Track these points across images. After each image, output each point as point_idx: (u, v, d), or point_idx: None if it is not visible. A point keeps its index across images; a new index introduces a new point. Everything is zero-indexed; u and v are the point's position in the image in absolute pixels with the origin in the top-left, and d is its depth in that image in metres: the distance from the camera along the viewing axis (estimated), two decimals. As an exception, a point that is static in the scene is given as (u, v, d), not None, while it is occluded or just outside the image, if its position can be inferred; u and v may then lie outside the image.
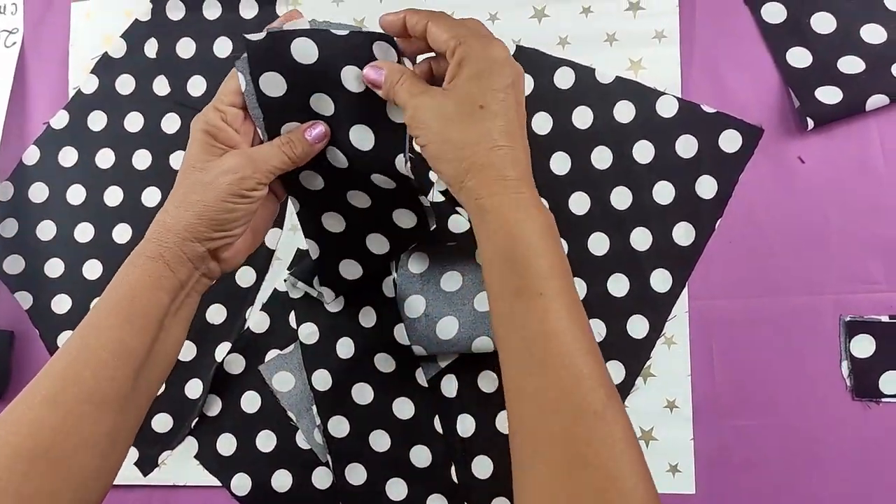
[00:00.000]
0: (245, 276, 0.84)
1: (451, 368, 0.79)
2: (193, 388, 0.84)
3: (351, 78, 0.60)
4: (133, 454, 0.84)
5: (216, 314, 0.84)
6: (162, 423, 0.84)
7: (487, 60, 0.56)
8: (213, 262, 0.62)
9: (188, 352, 0.84)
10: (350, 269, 0.76)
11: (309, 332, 0.81)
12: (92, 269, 0.87)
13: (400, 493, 0.79)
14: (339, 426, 0.79)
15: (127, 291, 0.58)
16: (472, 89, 0.56)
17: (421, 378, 0.79)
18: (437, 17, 0.59)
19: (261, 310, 0.84)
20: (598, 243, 0.79)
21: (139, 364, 0.57)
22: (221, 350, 0.83)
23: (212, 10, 0.88)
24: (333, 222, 0.72)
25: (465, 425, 0.79)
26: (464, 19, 0.60)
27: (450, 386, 0.79)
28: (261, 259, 0.84)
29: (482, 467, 0.78)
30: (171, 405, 0.84)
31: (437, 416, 0.79)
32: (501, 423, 0.79)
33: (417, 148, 0.59)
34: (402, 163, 0.63)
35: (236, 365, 0.83)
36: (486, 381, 0.79)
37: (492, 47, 0.57)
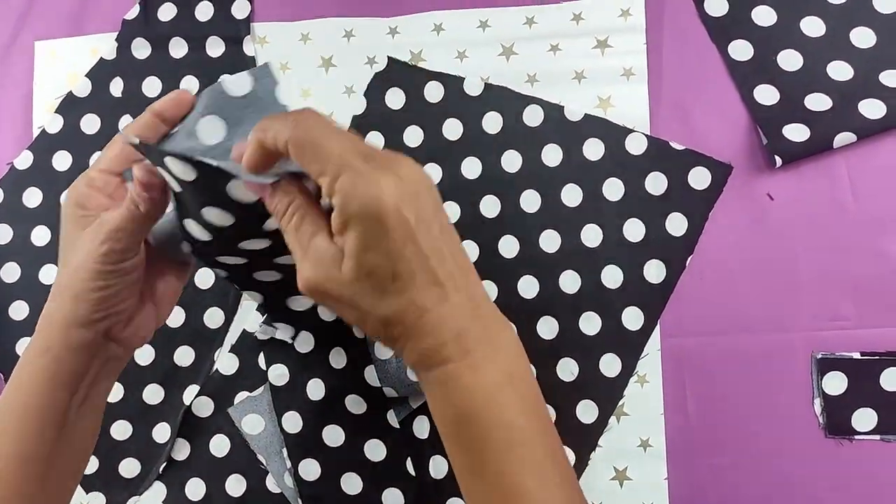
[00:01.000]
0: (213, 318, 0.83)
1: (423, 409, 0.79)
2: (161, 432, 0.82)
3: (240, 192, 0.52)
4: (100, 499, 0.82)
5: (184, 356, 0.83)
6: (129, 468, 0.82)
7: (376, 212, 0.43)
8: (114, 344, 0.57)
9: (155, 395, 0.82)
10: (299, 302, 0.75)
11: (278, 374, 0.80)
12: (57, 312, 0.85)
13: None
14: (310, 468, 0.78)
15: (20, 396, 0.54)
16: (372, 261, 0.45)
17: (392, 419, 0.78)
18: (297, 140, 0.45)
19: (229, 352, 0.82)
20: (570, 281, 0.78)
21: (41, 468, 0.55)
22: (189, 393, 0.82)
23: (178, 49, 0.87)
24: (267, 275, 0.68)
25: (438, 466, 0.78)
26: (334, 133, 0.46)
27: (422, 427, 0.78)
28: (229, 300, 0.83)
29: (455, 510, 0.77)
30: (139, 449, 0.82)
31: (409, 458, 0.78)
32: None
33: None
34: None
35: (205, 408, 0.82)
36: None
37: (374, 185, 0.43)
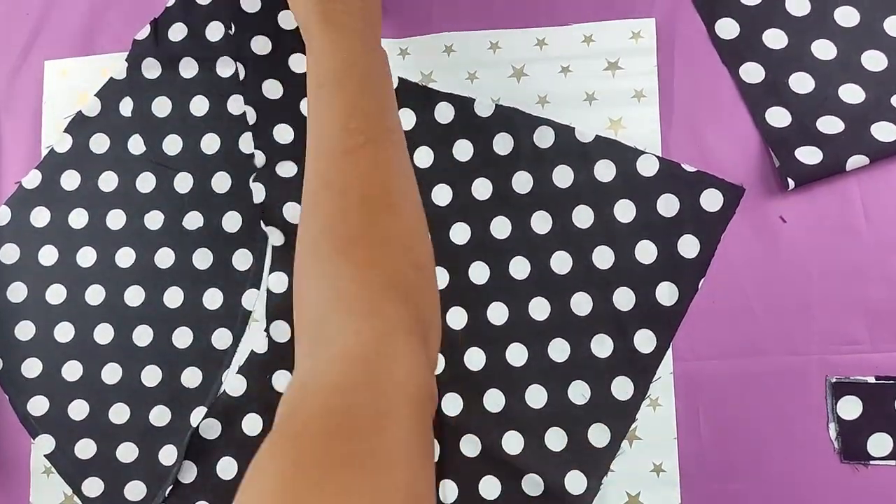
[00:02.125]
0: (221, 339, 0.82)
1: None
2: (167, 454, 0.81)
3: None
4: (105, 523, 0.81)
5: (191, 378, 0.82)
6: (135, 490, 0.82)
7: None
8: None
9: (162, 417, 0.82)
10: None
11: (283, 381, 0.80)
12: (63, 332, 0.84)
13: None
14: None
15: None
16: None
17: None
18: None
19: (237, 373, 0.82)
20: (581, 303, 0.78)
21: None
22: (197, 415, 0.81)
23: (188, 70, 0.87)
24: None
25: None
26: None
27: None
28: (237, 321, 0.82)
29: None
30: (145, 472, 0.82)
31: None
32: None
33: None
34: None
35: (212, 430, 0.81)
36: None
37: None
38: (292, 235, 0.80)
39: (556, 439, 0.77)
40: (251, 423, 0.80)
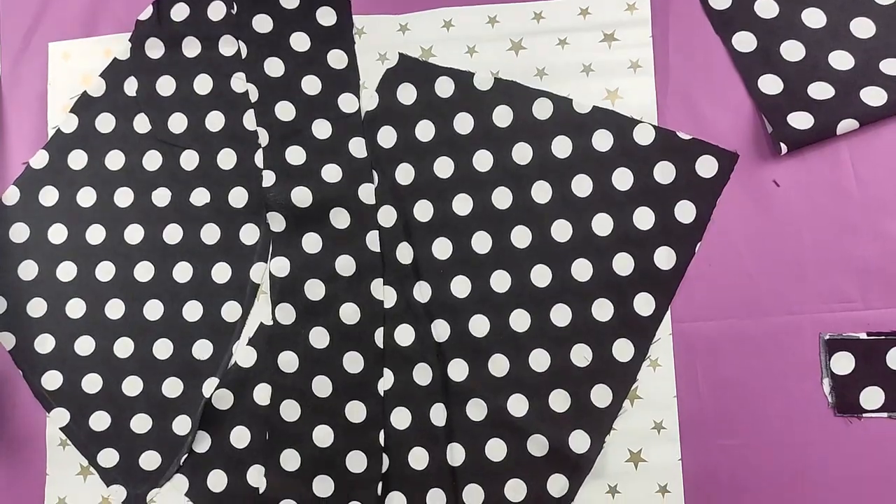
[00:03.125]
0: (230, 311, 0.84)
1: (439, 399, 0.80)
2: (181, 425, 0.83)
3: None
4: (121, 493, 0.83)
5: (202, 350, 0.84)
6: (150, 460, 0.83)
7: None
8: None
9: (174, 388, 0.84)
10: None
11: (287, 360, 0.82)
12: (75, 308, 0.86)
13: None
14: (291, 462, 0.81)
15: None
16: None
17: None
18: None
19: (247, 344, 0.83)
20: (582, 269, 0.80)
21: None
22: (209, 386, 0.83)
23: (191, 49, 0.89)
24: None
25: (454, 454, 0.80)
26: None
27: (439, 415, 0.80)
28: (245, 294, 0.84)
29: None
30: (159, 442, 0.84)
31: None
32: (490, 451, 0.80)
33: None
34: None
35: (224, 400, 0.83)
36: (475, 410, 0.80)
37: None
38: (294, 220, 0.83)
39: (559, 401, 0.79)
40: (262, 393, 0.82)
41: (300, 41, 0.87)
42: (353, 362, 0.81)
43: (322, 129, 0.85)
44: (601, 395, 0.79)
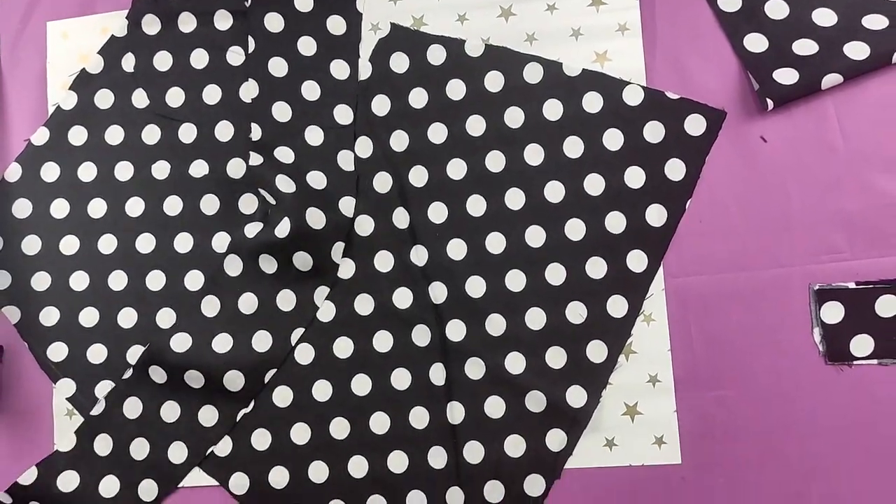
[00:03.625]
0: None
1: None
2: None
3: None
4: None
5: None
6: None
7: None
8: None
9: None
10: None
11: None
12: (78, 281, 0.87)
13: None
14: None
15: None
16: None
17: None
18: None
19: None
20: (575, 229, 0.82)
21: None
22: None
23: (187, 24, 0.90)
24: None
25: (454, 412, 0.81)
26: None
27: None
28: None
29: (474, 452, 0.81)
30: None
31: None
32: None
33: None
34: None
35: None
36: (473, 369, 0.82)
37: None
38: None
39: (556, 357, 0.80)
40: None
41: (307, 45, 0.88)
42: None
43: (314, 135, 0.86)
44: (597, 351, 0.80)
